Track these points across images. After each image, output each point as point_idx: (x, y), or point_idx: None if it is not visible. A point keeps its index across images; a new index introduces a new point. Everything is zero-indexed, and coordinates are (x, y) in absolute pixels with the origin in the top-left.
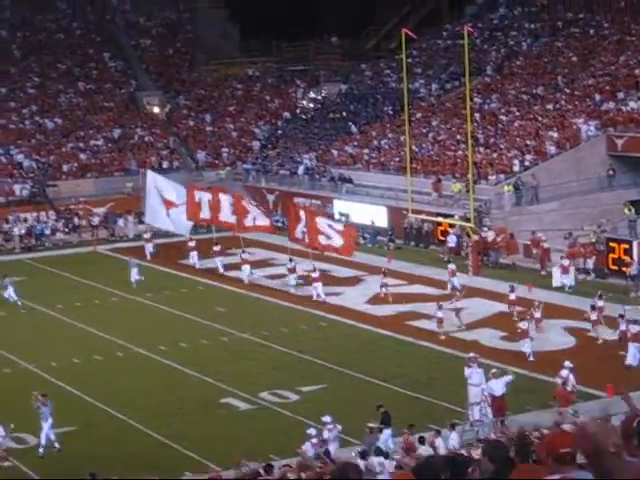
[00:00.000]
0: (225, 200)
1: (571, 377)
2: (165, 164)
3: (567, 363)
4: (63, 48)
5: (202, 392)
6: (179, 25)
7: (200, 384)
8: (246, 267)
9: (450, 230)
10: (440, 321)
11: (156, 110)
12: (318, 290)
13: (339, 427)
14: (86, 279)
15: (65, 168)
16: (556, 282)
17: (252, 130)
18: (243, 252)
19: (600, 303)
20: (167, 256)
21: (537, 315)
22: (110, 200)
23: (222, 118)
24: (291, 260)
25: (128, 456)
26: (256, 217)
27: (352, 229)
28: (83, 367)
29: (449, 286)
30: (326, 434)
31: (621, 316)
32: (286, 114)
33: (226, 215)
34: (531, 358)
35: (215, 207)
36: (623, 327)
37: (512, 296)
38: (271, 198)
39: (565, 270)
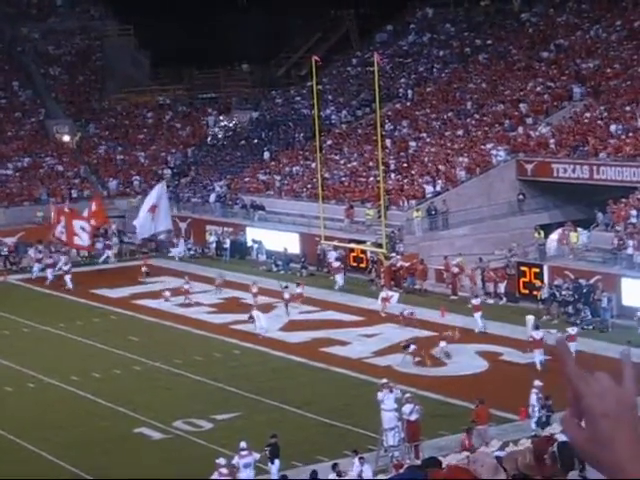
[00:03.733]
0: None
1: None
2: (75, 193)
3: (536, 382)
4: None
5: (115, 422)
6: (89, 53)
7: (113, 414)
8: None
9: (326, 246)
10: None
11: (66, 139)
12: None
13: (256, 455)
14: None
15: None
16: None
17: (163, 158)
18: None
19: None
20: (78, 285)
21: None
22: (20, 230)
23: (133, 146)
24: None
25: None
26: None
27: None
28: None
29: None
30: (236, 460)
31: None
32: (197, 142)
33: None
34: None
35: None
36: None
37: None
38: (183, 226)
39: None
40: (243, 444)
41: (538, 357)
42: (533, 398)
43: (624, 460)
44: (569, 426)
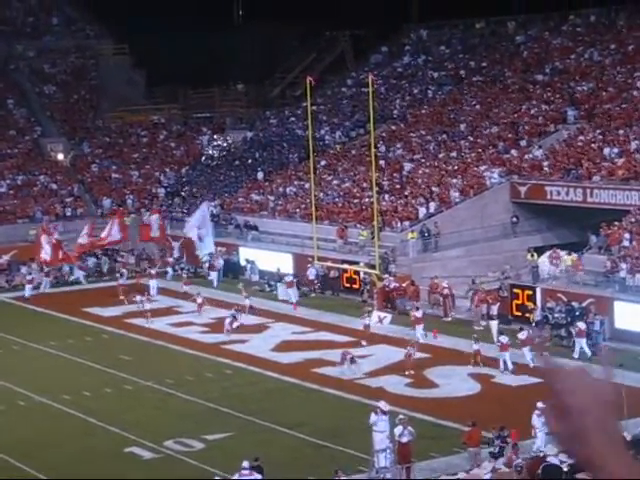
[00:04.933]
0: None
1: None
2: (69, 211)
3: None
4: None
5: (106, 441)
6: (84, 72)
7: (104, 433)
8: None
9: (309, 265)
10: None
11: (60, 157)
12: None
13: (257, 476)
14: None
15: None
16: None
17: (157, 177)
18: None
19: (476, 346)
20: (70, 304)
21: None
22: (13, 248)
23: (127, 165)
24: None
25: None
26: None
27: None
28: None
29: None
30: (236, 477)
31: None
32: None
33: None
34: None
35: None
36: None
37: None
38: (176, 245)
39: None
40: (245, 464)
41: (504, 358)
42: (535, 419)
43: (597, 455)
44: (549, 419)
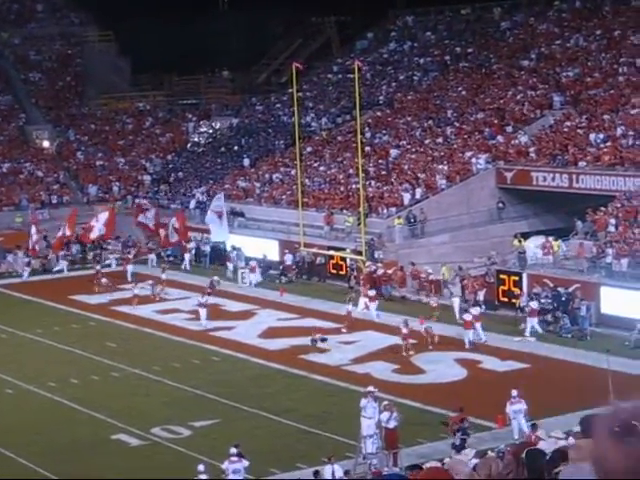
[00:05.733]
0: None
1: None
2: (55, 199)
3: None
4: None
5: (93, 429)
6: (69, 59)
7: (91, 420)
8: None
9: (286, 250)
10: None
11: (46, 144)
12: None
13: (245, 462)
14: None
15: None
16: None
17: (143, 164)
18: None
19: (405, 330)
20: (57, 291)
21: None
22: None
23: (113, 152)
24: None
25: None
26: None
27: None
28: None
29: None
30: (225, 465)
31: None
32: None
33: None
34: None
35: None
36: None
37: (405, 330)
38: (162, 232)
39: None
40: (233, 450)
41: (467, 336)
42: (508, 407)
43: None
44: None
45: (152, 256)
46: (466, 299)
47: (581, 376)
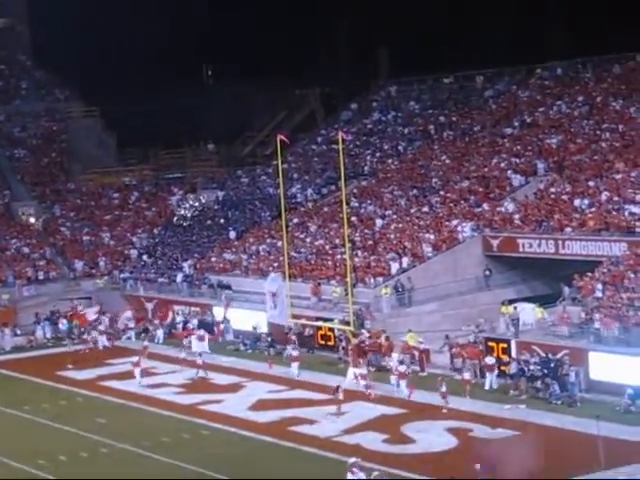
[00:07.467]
0: None
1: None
2: (41, 275)
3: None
4: None
5: None
6: (54, 135)
7: None
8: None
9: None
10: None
11: (32, 220)
12: None
13: None
14: None
15: None
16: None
17: (129, 238)
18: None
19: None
20: (44, 368)
21: None
22: None
23: (99, 227)
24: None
25: None
26: None
27: None
28: None
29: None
30: None
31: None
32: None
33: None
34: None
35: None
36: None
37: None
38: (149, 306)
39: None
40: None
41: (403, 389)
42: None
43: None
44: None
45: (160, 332)
46: (455, 368)
47: (570, 443)
